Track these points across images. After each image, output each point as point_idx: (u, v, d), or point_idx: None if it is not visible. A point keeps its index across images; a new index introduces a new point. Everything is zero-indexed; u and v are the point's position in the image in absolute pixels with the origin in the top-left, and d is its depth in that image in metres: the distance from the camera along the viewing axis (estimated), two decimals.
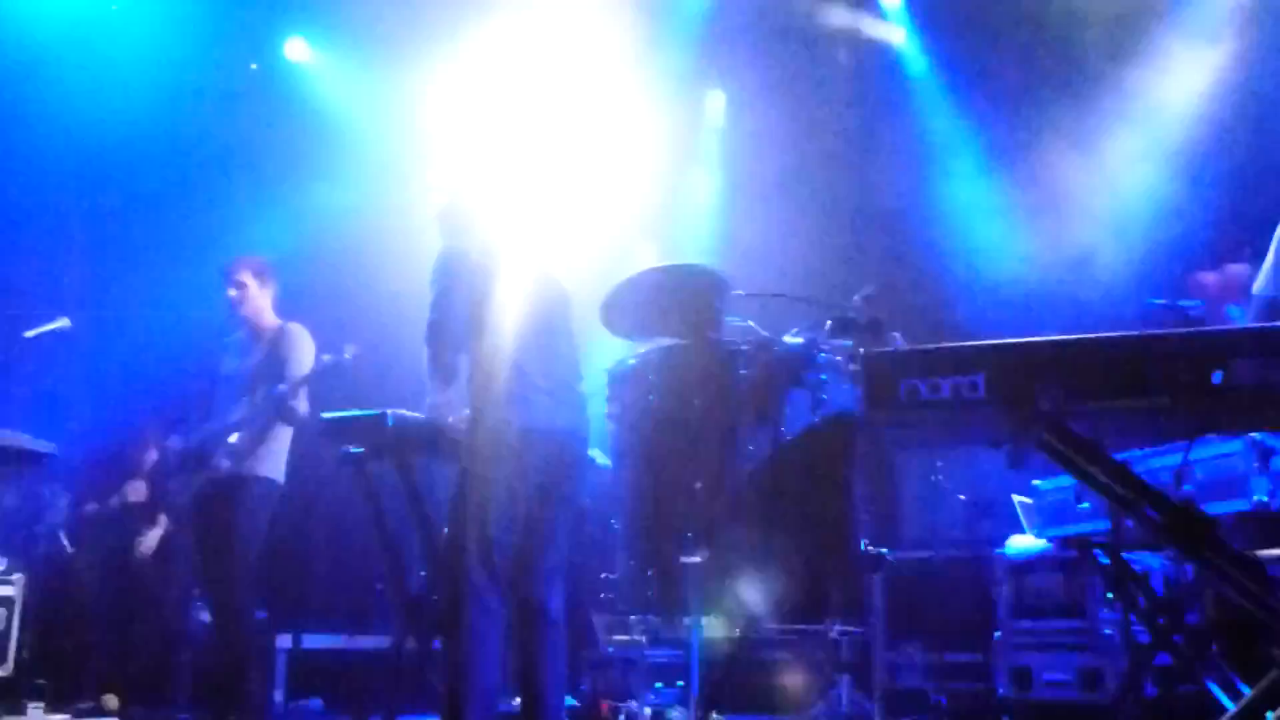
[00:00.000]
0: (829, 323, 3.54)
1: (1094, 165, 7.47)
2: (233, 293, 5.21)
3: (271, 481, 5.08)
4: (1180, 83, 7.28)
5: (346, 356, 4.88)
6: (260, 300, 5.27)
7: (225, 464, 4.92)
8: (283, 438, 5.11)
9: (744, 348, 3.48)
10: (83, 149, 7.31)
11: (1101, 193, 7.38)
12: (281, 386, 4.87)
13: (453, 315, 3.68)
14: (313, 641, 7.10)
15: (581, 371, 3.85)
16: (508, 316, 3.68)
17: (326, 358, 4.95)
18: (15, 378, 6.11)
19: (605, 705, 5.01)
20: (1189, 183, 6.97)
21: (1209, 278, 4.66)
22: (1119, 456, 2.54)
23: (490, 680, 3.50)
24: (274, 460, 5.09)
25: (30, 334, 5.43)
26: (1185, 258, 6.60)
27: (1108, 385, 2.39)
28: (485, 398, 3.65)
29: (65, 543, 6.92)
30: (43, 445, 5.22)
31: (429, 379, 3.75)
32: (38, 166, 7.35)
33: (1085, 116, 7.54)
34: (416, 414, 4.11)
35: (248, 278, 5.24)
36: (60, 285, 6.95)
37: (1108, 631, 5.37)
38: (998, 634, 5.61)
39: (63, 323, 5.43)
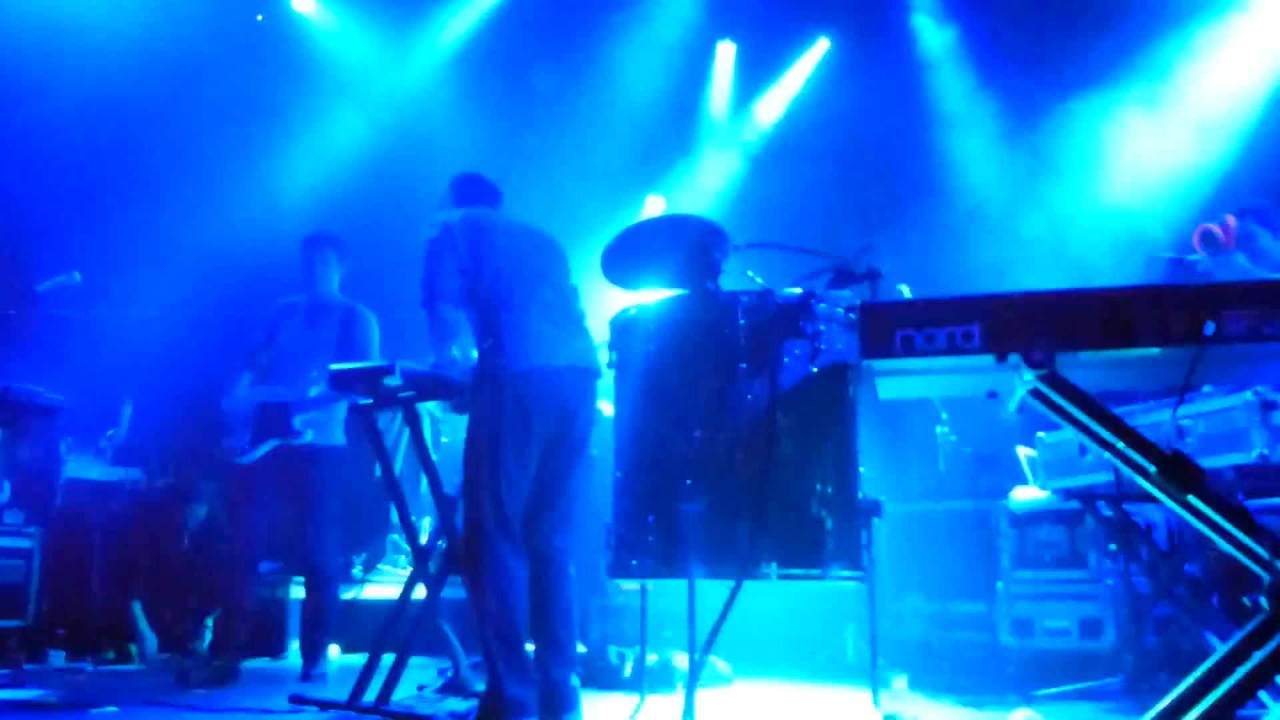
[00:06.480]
0: (829, 275, 3.58)
1: (1116, 122, 7.44)
2: (317, 268, 5.42)
3: (345, 448, 5.38)
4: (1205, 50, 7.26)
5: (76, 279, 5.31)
6: (333, 277, 5.48)
7: (307, 433, 5.13)
8: (343, 406, 5.31)
9: (742, 298, 3.51)
10: (90, 107, 7.30)
11: (1121, 150, 7.36)
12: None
13: (443, 271, 3.74)
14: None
15: (583, 310, 3.93)
16: (503, 262, 3.76)
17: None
18: (28, 332, 6.15)
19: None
20: (1210, 142, 6.96)
21: (1217, 228, 4.65)
22: (1118, 409, 2.57)
23: (513, 623, 3.56)
24: (340, 428, 5.37)
25: (42, 287, 5.47)
26: (1205, 215, 6.59)
27: (1101, 335, 2.42)
28: (488, 340, 3.71)
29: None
30: (55, 399, 5.28)
31: (432, 341, 3.80)
32: (46, 127, 7.34)
33: (1105, 71, 7.49)
34: (422, 365, 4.14)
35: (329, 254, 5.43)
36: (71, 242, 6.96)
37: (1109, 582, 5.43)
38: (1000, 584, 5.67)
39: (73, 277, 5.46)
